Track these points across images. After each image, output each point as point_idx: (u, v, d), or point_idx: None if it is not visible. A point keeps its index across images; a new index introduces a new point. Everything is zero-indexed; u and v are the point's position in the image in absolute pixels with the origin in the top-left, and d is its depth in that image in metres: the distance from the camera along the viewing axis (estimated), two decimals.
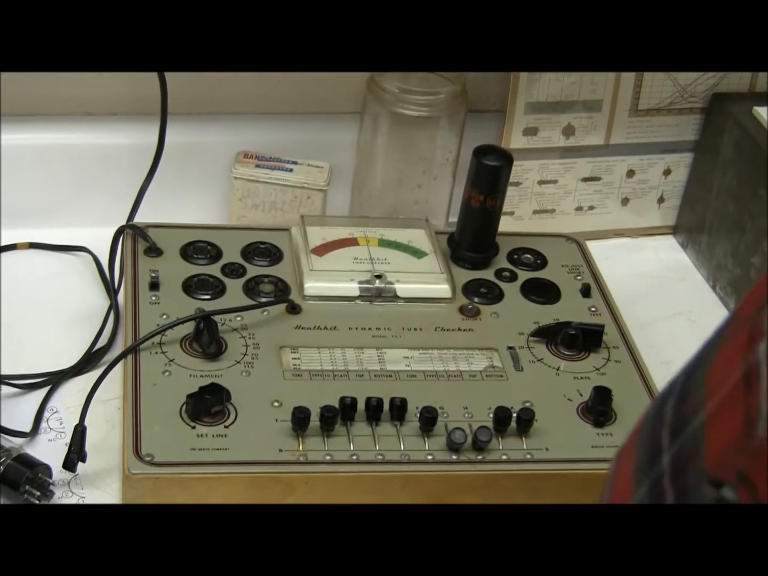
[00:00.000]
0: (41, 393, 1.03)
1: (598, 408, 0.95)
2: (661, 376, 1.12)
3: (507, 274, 1.10)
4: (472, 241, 1.10)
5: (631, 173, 1.30)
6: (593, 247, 1.16)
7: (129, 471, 0.87)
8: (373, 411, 0.92)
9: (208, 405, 0.91)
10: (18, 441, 0.97)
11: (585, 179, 1.29)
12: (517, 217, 1.28)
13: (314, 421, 0.91)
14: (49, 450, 0.97)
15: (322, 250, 1.08)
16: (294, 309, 1.03)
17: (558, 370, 1.00)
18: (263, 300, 1.03)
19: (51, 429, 1.00)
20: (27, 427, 0.99)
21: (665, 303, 1.25)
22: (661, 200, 1.33)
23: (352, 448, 0.91)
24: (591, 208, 1.31)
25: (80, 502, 0.94)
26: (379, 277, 1.05)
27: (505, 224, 1.12)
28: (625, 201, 1.32)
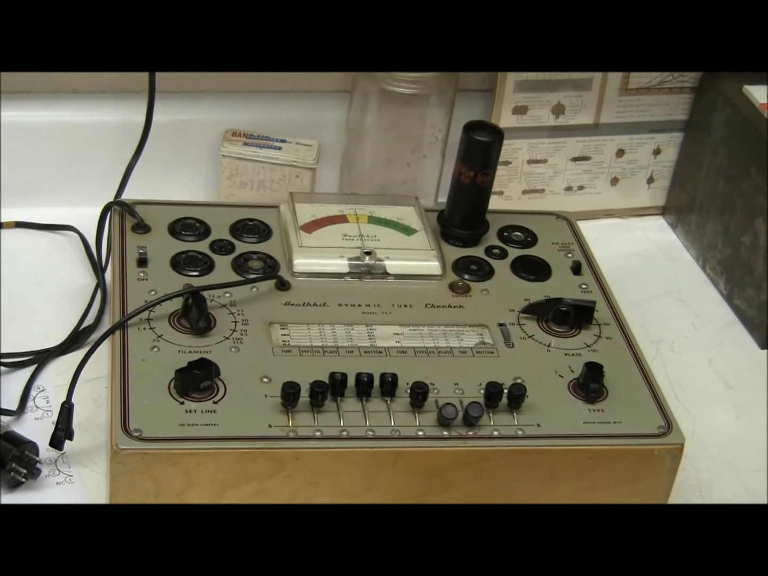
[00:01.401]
0: (28, 371, 1.03)
1: (590, 384, 0.95)
2: (651, 356, 1.12)
3: (497, 251, 1.10)
4: (463, 218, 1.09)
5: (620, 153, 1.29)
6: (583, 227, 1.16)
7: (117, 446, 0.86)
8: (364, 387, 0.92)
9: (196, 380, 0.90)
10: (4, 419, 0.97)
11: (574, 159, 1.28)
12: (507, 197, 1.28)
13: (304, 396, 0.90)
14: (36, 428, 0.97)
15: (312, 226, 1.07)
16: (283, 285, 1.02)
17: (549, 346, 1.00)
18: (252, 276, 1.02)
19: (38, 407, 1.00)
20: (13, 405, 0.99)
21: (655, 283, 1.25)
22: (650, 180, 1.33)
23: (342, 424, 0.90)
24: (581, 188, 1.30)
25: (67, 480, 0.94)
26: (368, 253, 1.05)
27: (494, 204, 1.11)
28: (614, 181, 1.31)
